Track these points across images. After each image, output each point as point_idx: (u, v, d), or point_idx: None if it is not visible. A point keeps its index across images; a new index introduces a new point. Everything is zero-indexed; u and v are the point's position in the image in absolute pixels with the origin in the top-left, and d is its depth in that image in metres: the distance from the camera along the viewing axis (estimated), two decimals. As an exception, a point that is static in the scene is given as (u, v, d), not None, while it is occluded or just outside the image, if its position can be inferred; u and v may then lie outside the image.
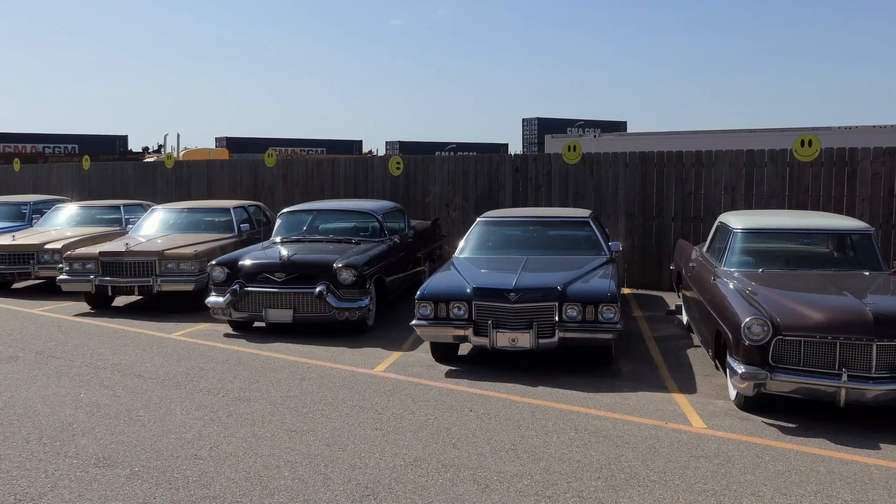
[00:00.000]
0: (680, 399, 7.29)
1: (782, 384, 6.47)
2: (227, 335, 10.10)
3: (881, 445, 6.02)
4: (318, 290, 9.68)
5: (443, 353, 8.66)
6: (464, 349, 8.97)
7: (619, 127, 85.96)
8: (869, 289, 7.24)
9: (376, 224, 11.78)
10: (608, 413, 6.83)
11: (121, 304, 12.47)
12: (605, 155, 13.96)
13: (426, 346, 8.89)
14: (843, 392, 6.27)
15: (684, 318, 10.12)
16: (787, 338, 6.46)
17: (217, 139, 78.69)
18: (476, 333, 8.09)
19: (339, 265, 9.85)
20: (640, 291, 13.14)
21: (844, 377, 6.26)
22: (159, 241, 12.32)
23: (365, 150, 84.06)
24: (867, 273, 7.89)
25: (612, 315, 7.93)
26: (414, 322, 8.29)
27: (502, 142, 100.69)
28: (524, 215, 10.72)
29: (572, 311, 7.95)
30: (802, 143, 12.23)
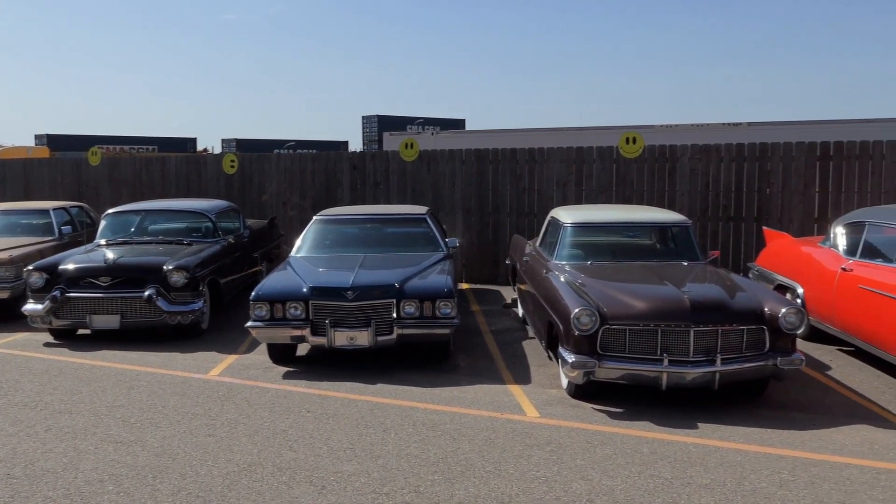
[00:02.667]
0: (515, 390, 7.46)
1: (610, 371, 6.74)
2: (47, 344, 9.49)
3: (699, 425, 6.39)
4: (147, 293, 9.25)
5: (280, 354, 8.49)
6: (302, 349, 8.83)
7: (458, 125, 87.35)
8: (687, 278, 7.66)
9: (209, 224, 11.40)
10: (446, 407, 6.89)
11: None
12: (442, 152, 14.12)
13: (263, 348, 8.69)
14: (664, 376, 6.60)
15: (520, 310, 10.38)
16: (614, 327, 6.74)
17: (37, 136, 73.98)
18: (314, 333, 7.98)
19: (170, 267, 9.46)
20: (477, 286, 13.38)
21: (666, 362, 6.60)
22: (-31, 245, 11.41)
23: (200, 147, 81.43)
24: (686, 263, 8.35)
25: (449, 310, 8.02)
26: (249, 324, 8.08)
27: (343, 139, 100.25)
28: (361, 213, 10.68)
29: (410, 308, 7.98)
30: (627, 141, 12.82)
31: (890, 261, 7.62)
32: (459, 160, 13.81)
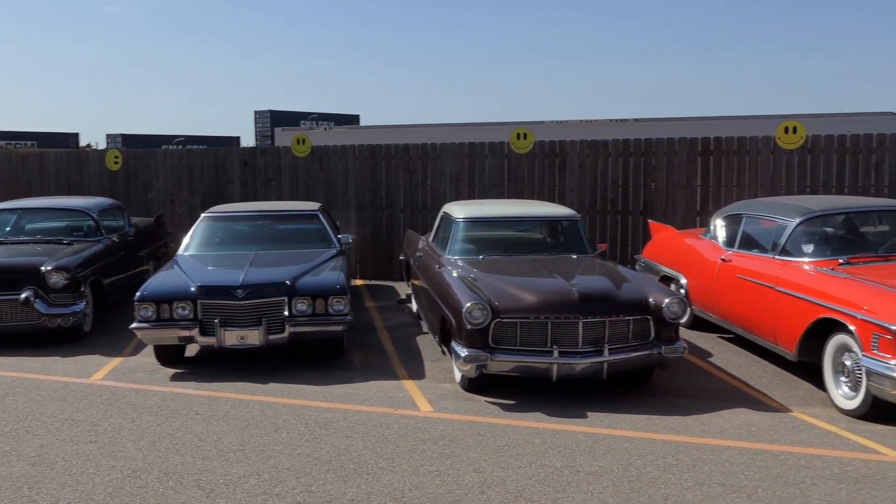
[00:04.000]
0: (409, 385, 7.46)
1: (502, 364, 6.83)
2: (-86, 352, 8.95)
3: (588, 414, 6.54)
4: (23, 296, 8.82)
5: (168, 355, 8.24)
6: (191, 350, 8.59)
7: (352, 120, 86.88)
8: (576, 271, 7.83)
9: (91, 222, 10.95)
10: (339, 405, 6.84)
11: None
12: (335, 148, 14.00)
13: (150, 350, 8.41)
14: (554, 367, 6.73)
15: (414, 306, 10.39)
16: (505, 320, 6.83)
17: None
18: (203, 333, 7.78)
19: (49, 268, 9.04)
20: (372, 282, 13.33)
21: (556, 353, 6.72)
22: None
23: (83, 143, 78.33)
24: (575, 256, 8.53)
25: (342, 307, 7.95)
26: (134, 325, 7.81)
27: (234, 135, 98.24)
28: (252, 210, 10.48)
29: (302, 305, 7.88)
30: (519, 137, 12.99)
31: (765, 251, 7.97)
32: (352, 156, 13.72)
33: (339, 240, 9.85)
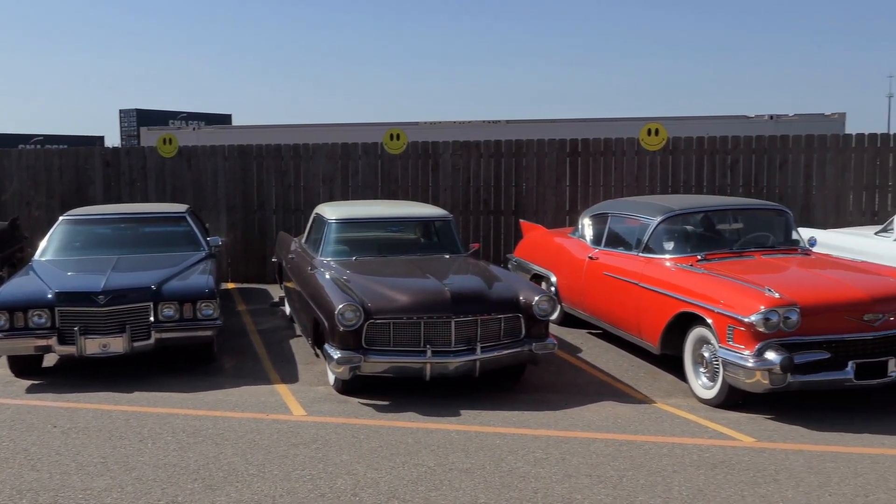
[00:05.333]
0: (282, 389, 7.34)
1: (375, 365, 6.81)
2: None
3: (461, 412, 6.60)
4: None
5: (23, 366, 7.80)
6: (50, 360, 8.17)
7: (224, 120, 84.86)
8: (449, 271, 7.90)
9: (-63, 227, 10.27)
10: (209, 411, 6.65)
11: None
12: (204, 148, 13.62)
13: (3, 361, 7.95)
14: (428, 367, 6.76)
15: (287, 309, 10.23)
16: (378, 321, 6.81)
17: None
18: (61, 342, 7.41)
19: None
20: (245, 285, 13.05)
21: (429, 353, 6.76)
22: None
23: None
24: (448, 256, 8.60)
25: (212, 311, 7.75)
26: (-15, 335, 7.36)
27: (98, 134, 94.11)
28: (115, 212, 10.07)
29: (169, 311, 7.63)
30: (392, 137, 12.99)
31: (630, 248, 8.26)
32: (222, 156, 13.39)
33: (208, 242, 9.59)
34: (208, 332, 7.80)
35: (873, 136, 11.89)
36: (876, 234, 9.43)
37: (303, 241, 9.79)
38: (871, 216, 11.63)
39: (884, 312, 6.41)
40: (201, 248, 9.40)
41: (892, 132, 12.09)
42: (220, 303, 7.95)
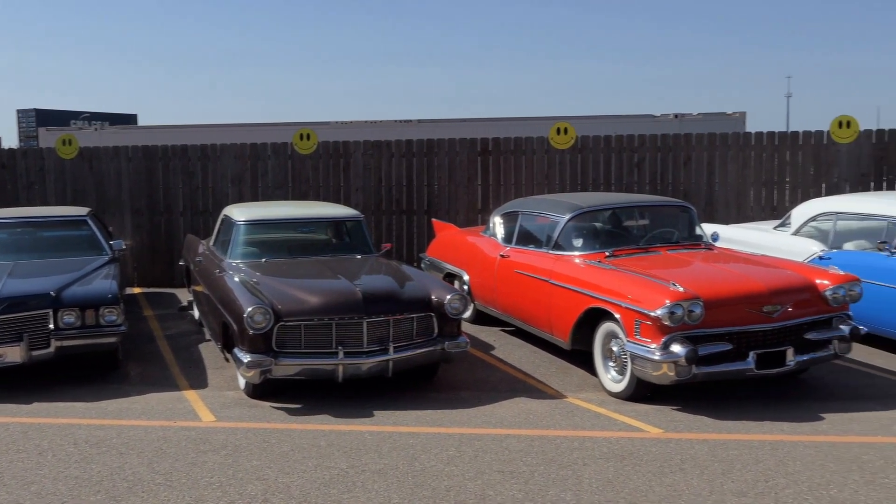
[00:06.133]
0: (191, 395, 7.17)
1: (287, 368, 6.72)
2: None
3: (374, 413, 6.57)
4: None
5: (-88, 379, 7.42)
6: (-59, 372, 7.78)
7: (129, 120, 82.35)
8: (360, 271, 7.85)
9: None
10: (113, 421, 6.44)
11: None
12: (107, 149, 13.20)
13: None
14: (340, 368, 6.71)
15: (196, 313, 10.00)
16: (289, 323, 6.72)
17: None
18: (-48, 353, 7.07)
19: None
20: (151, 290, 12.70)
21: (341, 354, 6.70)
22: None
23: None
24: (359, 256, 8.54)
25: (115, 317, 7.51)
26: None
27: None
28: (10, 216, 9.66)
29: (70, 318, 7.35)
30: (302, 137, 12.84)
31: (540, 246, 8.36)
32: (126, 157, 12.99)
33: (111, 246, 9.31)
34: (112, 339, 7.56)
35: (771, 135, 12.34)
36: (775, 228, 9.79)
37: (211, 243, 9.59)
38: (771, 211, 12.07)
39: (782, 304, 6.66)
40: (104, 252, 9.12)
41: (790, 130, 12.59)
42: (124, 308, 7.72)
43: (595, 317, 7.15)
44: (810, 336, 6.75)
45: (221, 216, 9.56)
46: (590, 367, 7.42)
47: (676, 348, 6.29)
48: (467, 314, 7.37)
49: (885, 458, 5.47)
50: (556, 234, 8.09)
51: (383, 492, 5.01)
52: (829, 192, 11.62)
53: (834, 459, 5.46)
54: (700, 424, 6.21)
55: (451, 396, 7.09)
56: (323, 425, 6.27)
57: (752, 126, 23.62)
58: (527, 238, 8.75)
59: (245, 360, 6.60)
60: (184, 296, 11.68)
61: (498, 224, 9.36)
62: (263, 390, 6.97)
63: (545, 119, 15.87)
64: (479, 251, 9.47)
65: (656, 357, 6.34)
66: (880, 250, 8.05)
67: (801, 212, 9.46)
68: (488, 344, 8.96)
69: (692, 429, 6.11)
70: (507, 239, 9.03)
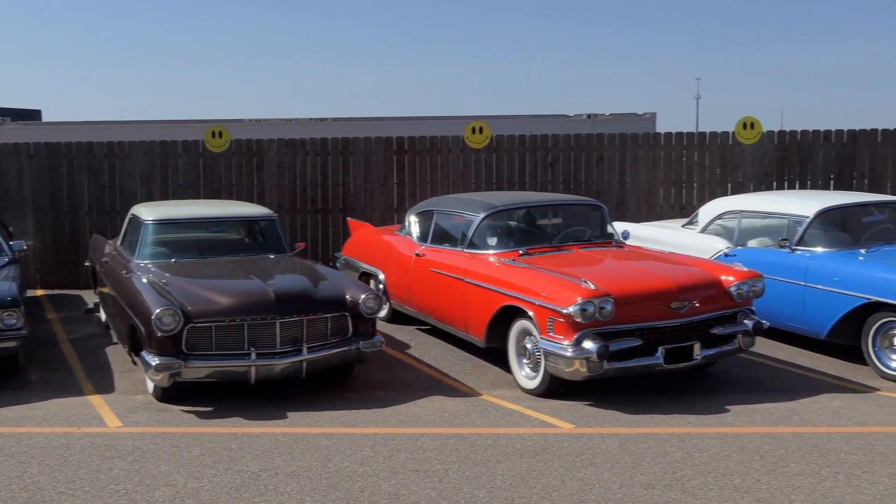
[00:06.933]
0: (96, 400, 6.95)
1: (197, 370, 6.57)
2: None
3: (288, 414, 6.48)
4: None
5: None
6: None
7: (33, 116, 79.39)
8: (274, 271, 7.74)
9: None
10: (13, 428, 6.19)
11: None
12: (6, 146, 12.67)
13: None
14: (253, 370, 6.60)
15: (103, 315, 9.69)
16: (199, 324, 6.57)
17: None
18: None
19: None
20: (55, 292, 12.25)
21: (253, 356, 6.59)
22: None
23: None
24: (273, 256, 8.41)
25: (15, 320, 7.23)
26: None
27: None
28: None
29: (-35, 321, 7.04)
30: (213, 135, 12.59)
31: (455, 244, 8.38)
32: (27, 155, 12.49)
33: (11, 247, 8.99)
34: (12, 343, 7.27)
35: (680, 135, 12.66)
36: (683, 226, 10.05)
37: (118, 243, 9.30)
38: (680, 210, 12.38)
39: (689, 300, 6.83)
40: (3, 254, 8.79)
41: (698, 131, 12.94)
42: (25, 311, 7.44)
43: (509, 314, 7.21)
44: (716, 331, 6.95)
45: (129, 215, 9.29)
46: (505, 364, 7.47)
47: (588, 344, 6.39)
48: (382, 313, 7.34)
49: (786, 448, 5.66)
50: (470, 233, 8.12)
51: (296, 494, 4.94)
52: (735, 192, 11.98)
53: (738, 450, 5.63)
54: (611, 419, 6.33)
55: (366, 396, 7.04)
56: (234, 428, 6.15)
57: (663, 126, 24.21)
58: (442, 237, 8.76)
59: (153, 363, 6.43)
60: (90, 298, 11.31)
61: (413, 223, 9.35)
62: (173, 394, 6.80)
63: (461, 118, 15.89)
64: (395, 250, 9.44)
65: (569, 353, 6.42)
66: (781, 247, 8.34)
67: (708, 210, 9.73)
68: (404, 343, 8.94)
69: (603, 424, 6.22)
70: (423, 238, 9.02)
